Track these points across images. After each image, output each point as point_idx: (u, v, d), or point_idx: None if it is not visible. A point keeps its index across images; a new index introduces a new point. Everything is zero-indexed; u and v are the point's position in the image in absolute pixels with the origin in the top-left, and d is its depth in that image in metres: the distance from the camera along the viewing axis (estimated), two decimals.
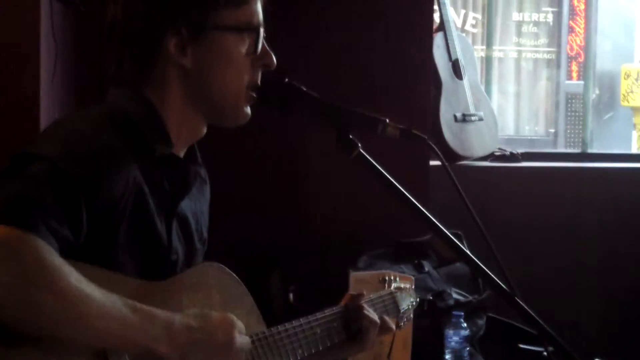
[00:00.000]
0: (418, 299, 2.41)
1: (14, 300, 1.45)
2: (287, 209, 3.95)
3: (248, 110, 1.90)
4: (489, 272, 1.87)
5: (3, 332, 1.47)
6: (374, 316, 2.12)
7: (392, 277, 2.36)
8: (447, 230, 1.90)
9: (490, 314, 3.70)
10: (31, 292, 1.46)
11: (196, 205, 1.96)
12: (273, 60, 1.90)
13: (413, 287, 2.42)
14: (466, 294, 3.65)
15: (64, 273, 1.49)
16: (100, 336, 1.54)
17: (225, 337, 1.70)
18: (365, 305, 2.13)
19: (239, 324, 1.73)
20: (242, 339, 1.74)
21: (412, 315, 2.37)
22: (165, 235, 1.82)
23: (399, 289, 2.33)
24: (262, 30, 1.88)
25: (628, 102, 8.71)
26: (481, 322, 3.64)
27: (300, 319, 1.99)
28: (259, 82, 1.90)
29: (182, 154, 1.91)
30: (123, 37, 1.82)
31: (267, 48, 1.90)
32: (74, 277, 1.50)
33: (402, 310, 2.30)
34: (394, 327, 2.21)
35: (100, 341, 1.55)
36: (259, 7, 1.89)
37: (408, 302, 2.34)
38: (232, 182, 3.81)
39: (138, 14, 1.80)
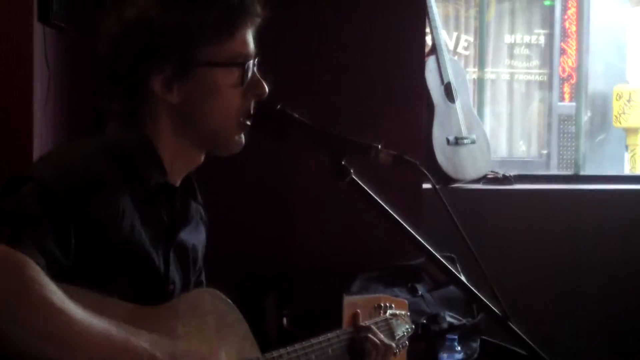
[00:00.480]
0: (413, 326, 2.41)
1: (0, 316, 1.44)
2: (281, 233, 3.96)
3: (242, 138, 1.90)
4: (480, 295, 1.87)
5: None
6: (376, 340, 2.14)
7: (387, 304, 2.36)
8: (440, 253, 1.91)
9: (484, 337, 3.70)
10: (15, 308, 1.44)
11: (194, 237, 1.97)
12: (265, 90, 1.89)
13: (408, 313, 2.42)
14: (460, 317, 3.65)
15: (49, 291, 1.48)
16: (82, 355, 1.49)
17: None
18: (373, 328, 2.15)
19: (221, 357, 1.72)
20: None
21: (406, 343, 2.37)
22: (163, 265, 1.82)
23: (394, 315, 2.33)
24: (251, 61, 1.87)
25: (620, 123, 8.75)
26: (475, 345, 3.64)
27: (311, 339, 2.01)
28: (251, 110, 1.89)
29: (178, 183, 1.91)
30: (111, 75, 1.84)
31: (259, 77, 1.89)
32: (58, 295, 1.49)
33: (397, 337, 2.30)
34: (395, 349, 2.22)
35: None
36: (249, 37, 1.88)
37: (403, 329, 2.34)
38: (226, 207, 3.81)
39: (123, 53, 1.81)
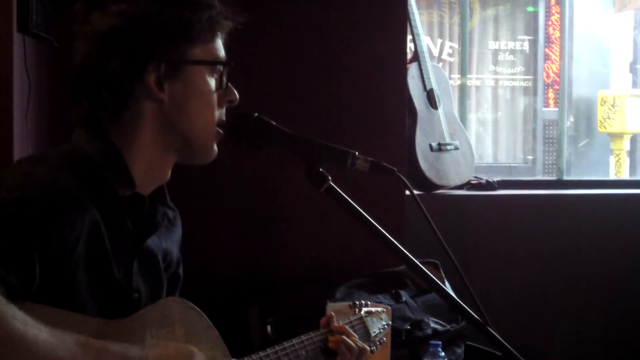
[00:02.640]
0: (390, 322, 2.40)
1: None
2: (264, 241, 3.95)
3: (216, 147, 1.91)
4: (459, 300, 1.87)
5: None
6: (350, 342, 2.13)
7: (362, 302, 2.35)
8: (423, 259, 1.91)
9: (468, 343, 3.70)
10: None
11: (166, 243, 1.96)
12: (236, 97, 1.91)
13: (384, 310, 2.40)
14: (444, 323, 3.64)
15: (9, 317, 1.46)
16: None
17: None
18: (347, 329, 2.14)
19: (200, 356, 1.72)
20: None
21: (384, 339, 2.36)
22: (124, 274, 1.80)
23: (369, 313, 2.32)
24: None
25: (605, 128, 8.76)
26: (459, 350, 3.64)
27: (284, 342, 2.01)
28: (224, 119, 1.91)
29: (147, 193, 1.90)
30: (99, 78, 1.79)
31: (230, 85, 1.91)
32: (18, 321, 1.47)
33: (372, 335, 2.29)
34: (372, 347, 2.22)
35: None
36: (221, 43, 1.90)
37: (379, 326, 2.32)
38: (208, 216, 3.81)
39: (116, 53, 1.77)
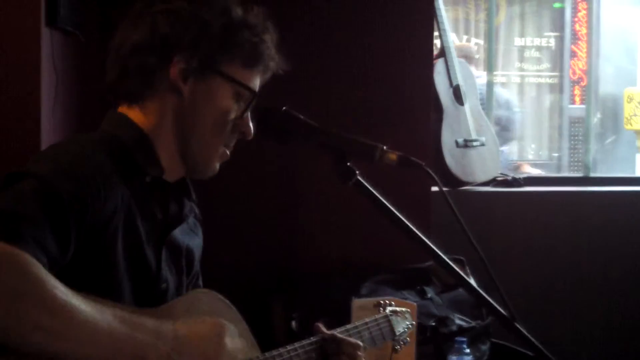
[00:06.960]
0: (414, 322, 2.39)
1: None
2: (289, 236, 3.95)
3: (217, 166, 1.94)
4: (487, 297, 1.86)
5: None
6: (354, 340, 2.09)
7: (386, 302, 2.35)
8: (449, 255, 1.89)
9: (494, 340, 3.69)
10: (17, 304, 1.45)
11: (189, 239, 1.97)
12: (251, 132, 1.94)
13: (409, 310, 2.40)
14: (469, 320, 3.63)
15: (51, 286, 1.49)
16: (87, 349, 1.53)
17: (217, 342, 1.71)
18: (338, 335, 2.09)
19: (231, 328, 1.73)
20: (233, 344, 1.74)
21: (408, 339, 2.36)
22: (155, 262, 1.82)
23: (394, 312, 2.32)
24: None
25: (631, 125, 8.71)
26: (485, 347, 3.63)
27: (280, 348, 1.96)
28: (231, 145, 1.94)
29: (173, 181, 1.92)
30: (133, 50, 1.84)
31: (249, 120, 1.93)
32: (60, 290, 1.50)
33: (397, 334, 2.29)
34: (396, 346, 2.21)
35: (87, 354, 1.53)
36: (258, 80, 1.94)
37: (404, 326, 2.33)
38: (234, 210, 3.81)
39: (160, 31, 1.83)
